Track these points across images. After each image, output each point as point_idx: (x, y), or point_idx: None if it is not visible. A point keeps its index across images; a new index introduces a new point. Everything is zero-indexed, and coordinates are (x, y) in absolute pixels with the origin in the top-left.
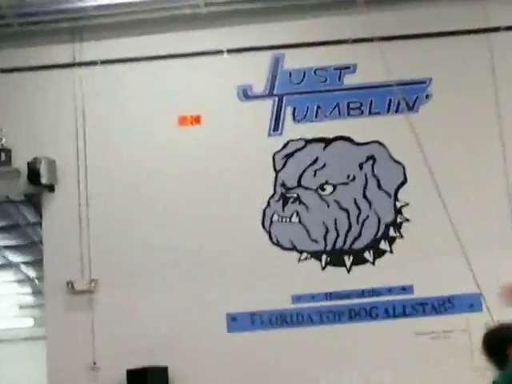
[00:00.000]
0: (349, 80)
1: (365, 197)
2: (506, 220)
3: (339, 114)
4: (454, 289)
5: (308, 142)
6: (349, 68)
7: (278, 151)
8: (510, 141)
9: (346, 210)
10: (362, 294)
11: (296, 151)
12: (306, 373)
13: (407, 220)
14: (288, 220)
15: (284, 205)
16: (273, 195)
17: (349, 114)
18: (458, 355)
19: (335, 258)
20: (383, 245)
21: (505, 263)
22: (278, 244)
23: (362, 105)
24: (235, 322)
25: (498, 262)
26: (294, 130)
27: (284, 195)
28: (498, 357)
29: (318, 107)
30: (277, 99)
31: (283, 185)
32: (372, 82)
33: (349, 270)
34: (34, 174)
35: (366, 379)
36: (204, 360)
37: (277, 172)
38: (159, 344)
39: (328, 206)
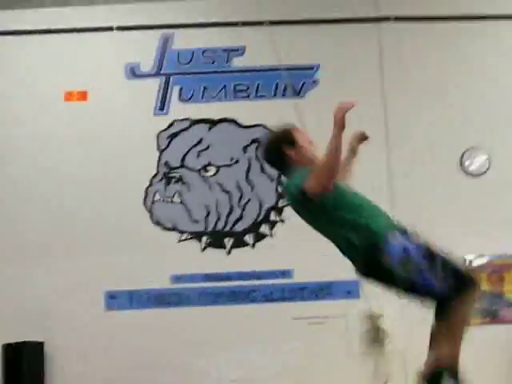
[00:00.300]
0: (237, 63)
1: (247, 180)
2: (386, 207)
3: (225, 96)
4: (332, 275)
5: (193, 122)
6: (237, 50)
7: (163, 130)
8: (394, 128)
9: (228, 193)
10: (241, 276)
11: (181, 131)
12: (181, 353)
13: (288, 205)
14: (170, 200)
15: (166, 184)
16: (156, 175)
17: (235, 96)
18: (335, 340)
19: (215, 239)
20: (264, 228)
21: None
22: (158, 223)
23: (248, 88)
24: (114, 299)
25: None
26: (179, 110)
27: (167, 175)
28: (279, 162)
29: (205, 88)
30: (164, 78)
31: (166, 164)
32: (260, 66)
33: (229, 253)
34: None
35: (243, 362)
36: (81, 337)
37: (161, 151)
38: (37, 319)
39: (210, 187)
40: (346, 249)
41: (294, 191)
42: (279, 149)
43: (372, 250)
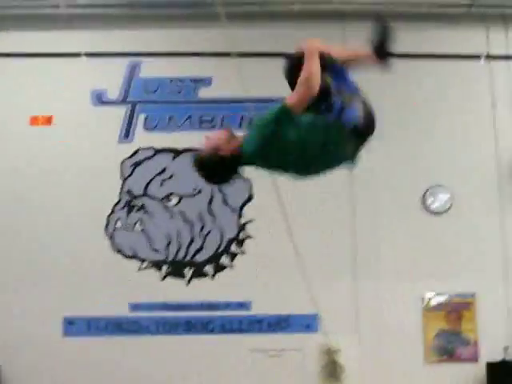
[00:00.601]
0: (203, 93)
1: (209, 211)
2: (349, 246)
3: (191, 125)
4: (291, 308)
5: (158, 151)
6: (204, 81)
7: (127, 158)
8: (359, 171)
9: (190, 223)
10: (200, 306)
11: (145, 159)
12: (138, 381)
13: (250, 237)
14: (131, 228)
15: (128, 212)
16: (118, 202)
17: (200, 126)
18: (292, 373)
19: (175, 269)
20: (224, 259)
21: (341, 289)
22: (119, 251)
23: (214, 118)
24: (72, 325)
25: (336, 287)
26: (144, 139)
27: (129, 203)
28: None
29: (171, 117)
30: (130, 106)
31: (129, 192)
32: (226, 97)
33: (188, 282)
34: None
35: None
36: (39, 361)
37: (124, 179)
38: None
39: (172, 216)
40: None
41: (275, 116)
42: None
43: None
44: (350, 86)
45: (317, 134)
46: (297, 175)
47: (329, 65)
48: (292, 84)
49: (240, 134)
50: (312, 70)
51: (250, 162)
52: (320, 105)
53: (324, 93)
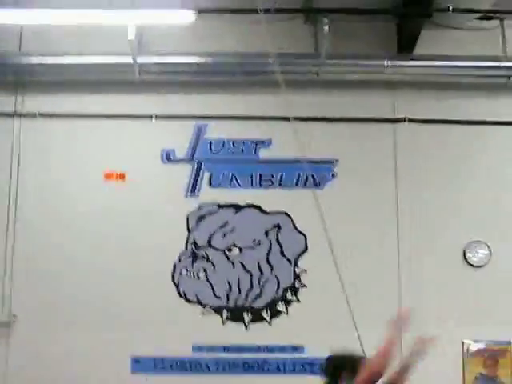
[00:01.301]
0: (263, 153)
1: (268, 261)
2: (393, 298)
3: (252, 183)
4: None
5: (220, 206)
6: (264, 143)
7: (193, 212)
8: (404, 222)
9: (250, 272)
10: (257, 349)
11: (209, 214)
12: None
13: (304, 286)
14: (196, 276)
15: (193, 262)
16: (184, 252)
17: (260, 184)
18: None
19: (235, 314)
20: (280, 306)
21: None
22: (184, 297)
23: (273, 177)
24: (139, 364)
25: (382, 333)
26: (209, 194)
27: (194, 253)
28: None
29: (233, 175)
30: (196, 164)
31: (194, 243)
32: (284, 157)
33: (246, 326)
34: None
35: None
36: None
37: (190, 231)
38: (66, 379)
39: (233, 266)
40: None
41: None
42: (336, 375)
43: None
44: None
45: None
46: None
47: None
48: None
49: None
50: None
51: None
52: None
53: None
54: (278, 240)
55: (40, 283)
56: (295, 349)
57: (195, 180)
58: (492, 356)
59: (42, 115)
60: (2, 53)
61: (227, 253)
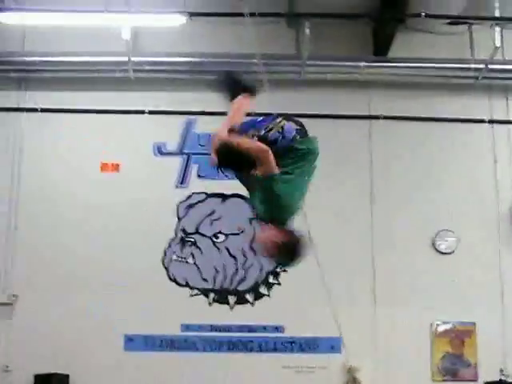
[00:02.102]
0: None
1: (251, 247)
2: (369, 278)
3: None
4: (318, 332)
5: (208, 195)
6: None
7: (182, 201)
8: (378, 211)
9: (234, 257)
10: (241, 329)
11: (197, 203)
12: None
13: (285, 270)
14: (184, 261)
15: (182, 247)
16: (174, 238)
17: None
18: None
19: (221, 296)
20: (263, 289)
21: (361, 316)
22: (173, 280)
23: None
24: (131, 342)
25: (357, 314)
26: (197, 185)
27: (183, 239)
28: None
29: None
30: (185, 157)
31: (183, 230)
32: None
33: (231, 308)
34: None
35: None
36: (102, 373)
37: (179, 219)
38: (64, 354)
39: (220, 251)
40: None
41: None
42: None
43: None
44: (264, 121)
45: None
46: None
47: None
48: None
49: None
50: (257, 148)
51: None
52: (275, 148)
53: (269, 143)
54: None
55: (40, 267)
56: (276, 328)
57: (184, 171)
58: (458, 336)
59: (44, 110)
60: (6, 52)
61: (214, 239)
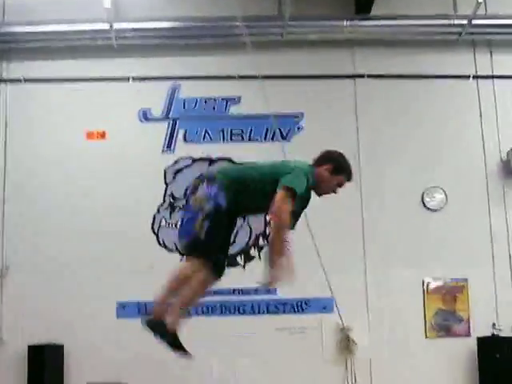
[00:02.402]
0: (233, 110)
1: None
2: (359, 238)
3: (223, 138)
4: (311, 293)
5: (195, 160)
6: (234, 100)
7: (170, 166)
8: (366, 169)
9: None
10: (233, 292)
11: (184, 167)
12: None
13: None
14: (173, 225)
15: (171, 213)
16: (162, 203)
17: (231, 139)
18: (312, 349)
19: None
20: (253, 251)
21: (354, 275)
22: (163, 245)
23: (242, 132)
24: (124, 309)
25: (349, 274)
26: (184, 149)
27: (172, 204)
28: None
29: (206, 131)
30: (171, 122)
31: (172, 195)
32: (253, 113)
33: None
34: None
35: (231, 367)
36: (96, 341)
37: (167, 184)
38: (58, 325)
39: None
40: None
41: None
42: None
43: None
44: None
45: None
46: None
47: None
48: None
49: None
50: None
51: None
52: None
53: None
54: None
55: (31, 238)
56: (268, 291)
57: (171, 137)
58: (450, 292)
59: (27, 80)
60: None
61: None
